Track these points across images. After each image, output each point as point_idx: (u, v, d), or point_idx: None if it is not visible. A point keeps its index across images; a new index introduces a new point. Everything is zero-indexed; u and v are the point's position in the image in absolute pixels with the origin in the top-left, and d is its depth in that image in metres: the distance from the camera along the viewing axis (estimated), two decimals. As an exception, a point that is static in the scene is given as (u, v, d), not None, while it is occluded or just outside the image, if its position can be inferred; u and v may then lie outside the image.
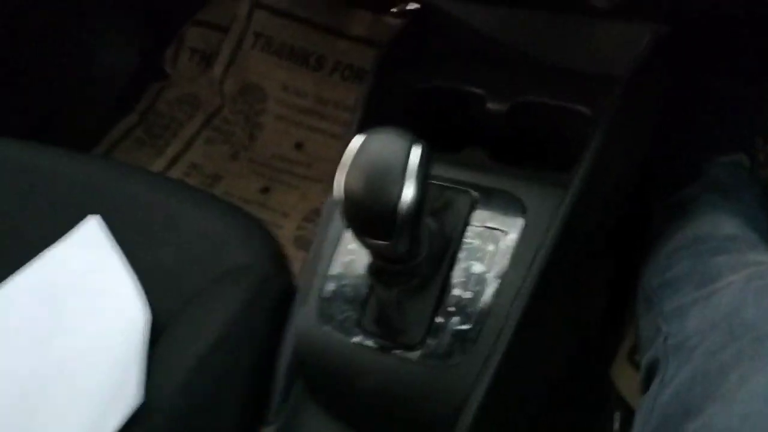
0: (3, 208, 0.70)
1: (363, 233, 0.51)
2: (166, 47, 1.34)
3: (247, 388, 0.61)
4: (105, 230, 0.66)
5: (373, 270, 0.56)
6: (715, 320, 0.52)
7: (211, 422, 0.58)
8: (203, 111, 1.30)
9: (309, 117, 1.26)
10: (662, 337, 0.56)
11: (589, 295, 0.76)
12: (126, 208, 0.69)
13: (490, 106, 0.66)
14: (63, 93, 1.18)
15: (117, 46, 1.28)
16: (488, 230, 0.58)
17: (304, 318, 0.60)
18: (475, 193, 0.60)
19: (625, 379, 0.82)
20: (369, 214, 0.49)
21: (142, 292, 0.62)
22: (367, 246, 0.53)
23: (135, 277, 0.63)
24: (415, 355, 0.56)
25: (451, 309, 0.56)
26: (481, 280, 0.57)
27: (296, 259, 0.68)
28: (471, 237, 0.58)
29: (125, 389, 0.55)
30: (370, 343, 0.57)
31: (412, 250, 0.53)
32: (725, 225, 0.63)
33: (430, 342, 0.56)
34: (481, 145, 0.66)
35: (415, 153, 0.49)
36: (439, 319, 0.56)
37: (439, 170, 0.57)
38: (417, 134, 0.50)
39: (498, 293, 0.56)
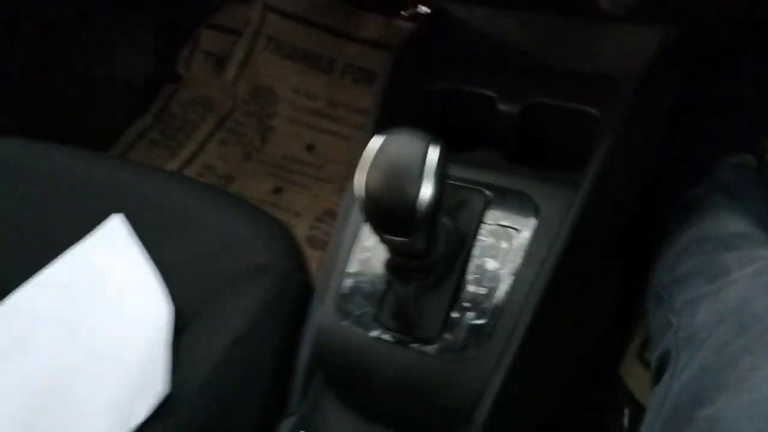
0: (26, 208, 0.72)
1: (382, 230, 0.52)
2: (181, 50, 1.36)
3: (269, 381, 0.62)
4: (128, 228, 0.68)
5: (392, 266, 0.57)
6: (724, 313, 0.53)
7: (234, 412, 0.59)
8: (216, 113, 1.31)
9: (320, 119, 1.27)
10: (673, 330, 0.57)
11: (598, 294, 0.76)
12: (146, 206, 0.70)
13: (502, 107, 0.67)
14: (80, 94, 1.19)
15: (133, 48, 1.29)
16: (502, 228, 0.59)
17: (323, 314, 0.61)
18: (488, 193, 0.61)
19: (634, 376, 0.83)
20: (388, 211, 0.50)
21: (165, 288, 0.63)
22: (386, 243, 0.54)
23: (158, 274, 0.64)
24: (431, 348, 0.57)
25: (467, 304, 0.58)
26: (495, 276, 0.58)
27: (310, 258, 0.69)
28: (485, 235, 0.60)
29: (152, 380, 0.57)
30: (387, 337, 0.58)
31: (429, 247, 0.55)
32: (733, 224, 0.64)
33: (447, 336, 0.57)
34: (493, 146, 0.67)
35: (433, 153, 0.50)
36: (454, 314, 0.57)
37: (453, 170, 0.58)
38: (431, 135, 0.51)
39: (512, 289, 0.57)
